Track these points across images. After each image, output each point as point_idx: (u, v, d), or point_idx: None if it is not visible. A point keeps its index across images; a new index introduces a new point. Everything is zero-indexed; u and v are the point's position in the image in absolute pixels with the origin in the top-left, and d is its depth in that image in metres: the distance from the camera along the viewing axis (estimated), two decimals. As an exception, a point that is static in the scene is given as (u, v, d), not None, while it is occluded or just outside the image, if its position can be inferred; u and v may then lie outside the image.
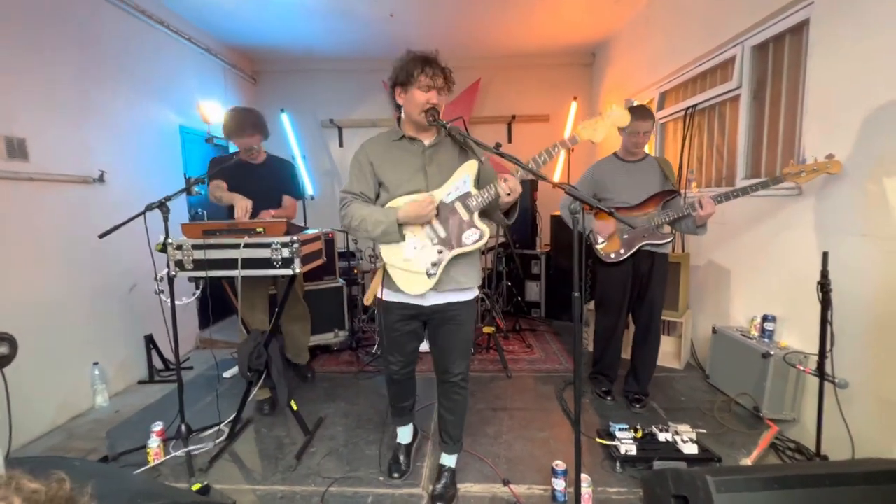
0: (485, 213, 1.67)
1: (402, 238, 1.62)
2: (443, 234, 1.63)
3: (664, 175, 2.42)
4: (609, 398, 2.64)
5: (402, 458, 2.00)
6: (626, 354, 2.76)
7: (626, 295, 2.48)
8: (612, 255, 2.44)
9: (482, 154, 1.67)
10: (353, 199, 1.69)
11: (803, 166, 2.05)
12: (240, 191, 2.41)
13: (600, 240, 2.47)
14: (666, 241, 2.38)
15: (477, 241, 1.62)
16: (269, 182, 2.55)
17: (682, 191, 3.38)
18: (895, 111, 1.76)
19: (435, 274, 1.63)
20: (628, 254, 2.40)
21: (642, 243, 2.38)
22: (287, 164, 2.71)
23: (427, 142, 1.68)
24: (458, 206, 1.62)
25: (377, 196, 1.72)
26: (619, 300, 2.49)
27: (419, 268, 1.63)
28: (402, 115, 1.69)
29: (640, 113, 2.35)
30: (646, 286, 2.45)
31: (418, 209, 1.57)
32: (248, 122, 2.42)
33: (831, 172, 1.98)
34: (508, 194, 1.52)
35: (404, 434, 2.05)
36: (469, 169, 1.63)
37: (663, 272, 2.45)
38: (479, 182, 1.64)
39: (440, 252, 1.63)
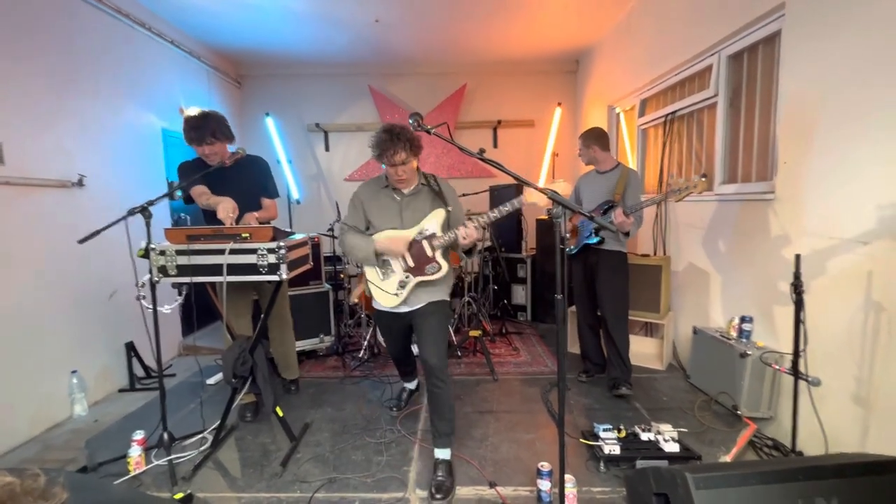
0: (445, 253, 2.06)
1: (379, 263, 2.08)
2: (411, 263, 2.04)
3: (616, 187, 2.73)
4: (583, 377, 3.01)
5: (404, 396, 2.67)
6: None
7: (584, 282, 2.89)
8: (567, 250, 2.88)
9: (450, 204, 2.03)
10: (348, 230, 2.14)
11: (680, 184, 2.46)
12: (218, 194, 2.33)
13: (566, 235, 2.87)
14: (596, 240, 2.75)
15: (436, 272, 2.03)
16: (242, 183, 2.45)
17: (663, 195, 3.46)
18: (860, 120, 1.84)
19: (400, 294, 2.06)
20: (577, 248, 2.84)
21: (584, 241, 2.81)
22: (259, 162, 2.57)
23: (406, 191, 2.07)
24: (425, 243, 2.02)
25: (367, 228, 2.14)
26: (580, 288, 2.92)
27: (390, 288, 2.08)
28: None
29: (582, 138, 2.88)
30: (595, 278, 2.81)
31: (392, 246, 2.02)
32: (206, 129, 2.29)
33: (697, 191, 2.42)
34: (465, 238, 1.91)
35: (410, 384, 2.70)
36: (437, 216, 2.03)
37: (609, 267, 2.76)
38: (449, 223, 2.03)
39: (406, 277, 2.05)
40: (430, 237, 2.02)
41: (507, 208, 1.91)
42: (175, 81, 3.96)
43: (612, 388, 2.75)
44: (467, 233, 1.91)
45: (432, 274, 2.02)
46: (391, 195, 2.09)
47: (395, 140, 1.88)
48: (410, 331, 2.25)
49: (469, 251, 2.07)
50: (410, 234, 2.03)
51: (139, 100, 3.46)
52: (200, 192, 2.37)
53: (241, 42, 4.42)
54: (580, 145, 2.88)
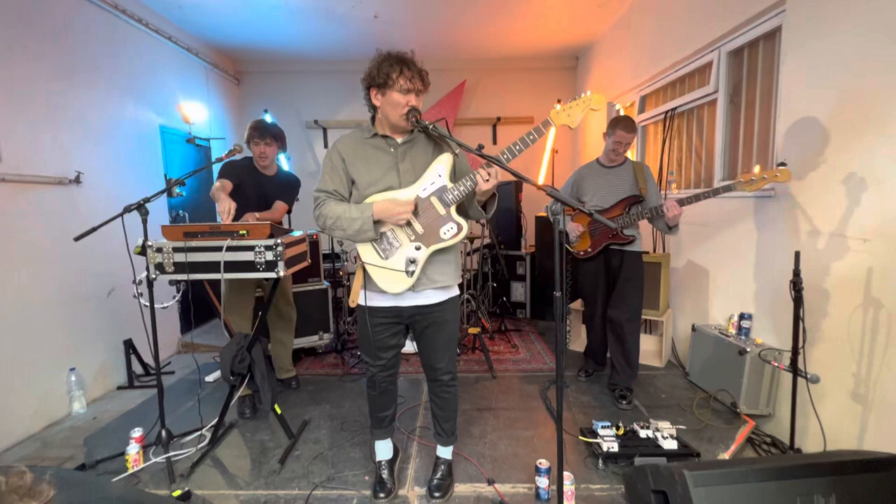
0: (461, 210, 1.65)
1: (378, 236, 1.60)
2: (420, 230, 1.60)
3: (636, 180, 2.55)
4: (583, 376, 2.97)
5: (385, 475, 1.89)
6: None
7: (600, 286, 2.72)
8: (582, 253, 2.68)
9: (457, 147, 1.62)
10: (326, 199, 1.65)
11: (754, 174, 2.11)
12: (244, 194, 2.46)
13: (572, 237, 2.68)
14: (628, 241, 2.55)
15: (455, 234, 1.60)
16: (273, 194, 2.61)
17: (663, 192, 3.46)
18: (861, 116, 1.83)
19: (414, 272, 1.61)
20: (595, 251, 2.63)
21: (607, 242, 2.59)
22: (292, 179, 2.77)
23: (400, 139, 1.66)
24: (434, 200, 1.60)
25: (350, 194, 1.69)
26: (594, 291, 2.75)
27: (398, 266, 1.61)
28: (378, 115, 1.67)
29: (626, 125, 2.54)
30: (616, 280, 2.64)
31: (394, 207, 1.54)
32: (269, 131, 2.54)
33: (780, 181, 2.07)
34: (487, 180, 1.49)
35: (384, 450, 1.93)
36: (443, 162, 1.61)
37: (633, 269, 2.60)
38: (455, 176, 1.63)
39: (418, 249, 1.61)
40: (441, 191, 1.59)
41: (532, 136, 1.56)
42: (173, 78, 3.94)
43: (613, 391, 2.68)
44: (491, 172, 1.48)
45: (451, 237, 1.60)
46: (382, 145, 1.65)
47: (412, 63, 1.56)
48: (405, 337, 1.82)
49: (486, 205, 1.64)
50: (413, 191, 1.61)
51: (137, 96, 3.44)
52: (218, 187, 2.42)
53: (240, 38, 4.40)
54: (632, 140, 2.58)
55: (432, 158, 1.63)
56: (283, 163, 4.84)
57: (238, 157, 2.39)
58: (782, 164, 2.04)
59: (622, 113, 4.33)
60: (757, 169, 2.12)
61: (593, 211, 1.52)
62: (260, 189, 2.57)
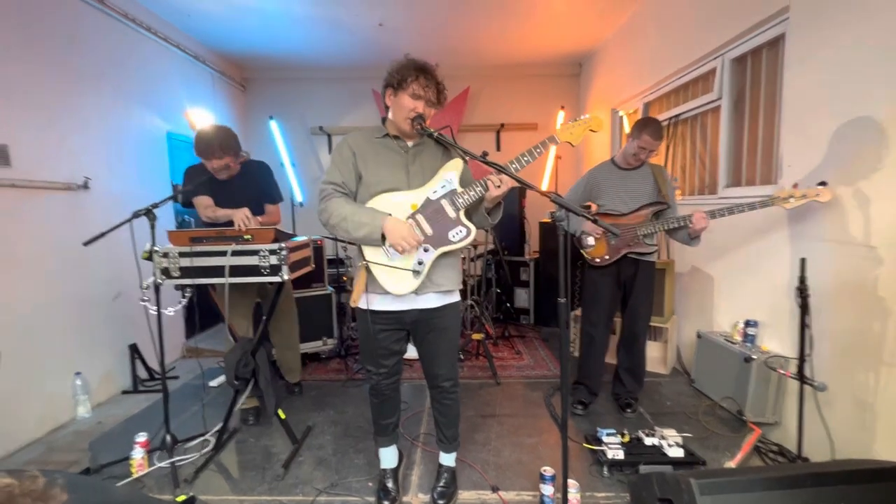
0: (467, 217, 1.66)
1: (383, 242, 1.57)
2: (429, 231, 1.60)
3: (657, 185, 2.41)
4: (579, 409, 2.59)
5: (389, 483, 1.89)
6: (612, 359, 2.75)
7: (611, 298, 2.50)
8: (598, 260, 2.47)
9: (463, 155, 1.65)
10: (333, 193, 1.63)
11: (793, 191, 2.05)
12: (219, 205, 2.39)
13: (591, 241, 2.47)
14: (650, 250, 2.40)
15: (463, 238, 1.61)
16: (245, 191, 2.50)
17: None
18: (864, 123, 1.83)
19: (421, 272, 1.60)
20: (613, 259, 2.43)
21: (626, 251, 2.40)
22: (260, 168, 2.60)
23: (411, 143, 1.68)
24: (445, 203, 1.61)
25: (356, 190, 1.68)
26: (604, 303, 2.51)
27: (405, 265, 1.60)
28: (390, 115, 1.69)
29: (654, 130, 2.33)
30: (629, 292, 2.48)
31: (404, 235, 1.52)
32: (215, 144, 2.32)
33: (821, 200, 1.98)
34: (498, 186, 1.51)
35: (388, 457, 1.92)
36: (454, 166, 1.64)
37: (648, 279, 2.46)
38: (461, 183, 1.64)
39: (426, 250, 1.61)
40: (451, 194, 1.61)
41: (539, 150, 1.59)
42: (180, 85, 3.98)
43: (617, 399, 2.64)
44: (503, 179, 1.50)
45: (459, 240, 1.61)
46: (394, 146, 1.67)
47: (430, 74, 1.57)
48: (407, 343, 1.82)
49: (492, 212, 1.65)
50: (422, 193, 1.63)
51: (144, 103, 3.48)
52: (206, 206, 2.40)
53: (246, 46, 4.45)
54: (657, 148, 2.38)
55: (442, 163, 1.65)
56: (289, 170, 4.88)
57: (199, 166, 2.37)
58: (822, 183, 1.98)
59: (625, 120, 4.34)
60: (793, 186, 2.06)
61: (597, 217, 1.52)
62: (232, 193, 2.44)
